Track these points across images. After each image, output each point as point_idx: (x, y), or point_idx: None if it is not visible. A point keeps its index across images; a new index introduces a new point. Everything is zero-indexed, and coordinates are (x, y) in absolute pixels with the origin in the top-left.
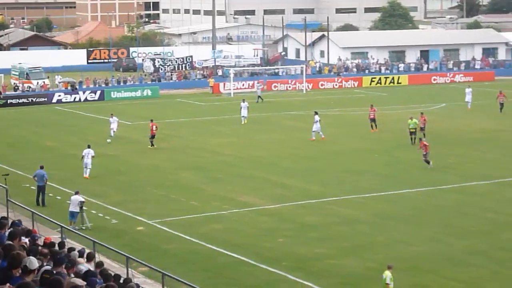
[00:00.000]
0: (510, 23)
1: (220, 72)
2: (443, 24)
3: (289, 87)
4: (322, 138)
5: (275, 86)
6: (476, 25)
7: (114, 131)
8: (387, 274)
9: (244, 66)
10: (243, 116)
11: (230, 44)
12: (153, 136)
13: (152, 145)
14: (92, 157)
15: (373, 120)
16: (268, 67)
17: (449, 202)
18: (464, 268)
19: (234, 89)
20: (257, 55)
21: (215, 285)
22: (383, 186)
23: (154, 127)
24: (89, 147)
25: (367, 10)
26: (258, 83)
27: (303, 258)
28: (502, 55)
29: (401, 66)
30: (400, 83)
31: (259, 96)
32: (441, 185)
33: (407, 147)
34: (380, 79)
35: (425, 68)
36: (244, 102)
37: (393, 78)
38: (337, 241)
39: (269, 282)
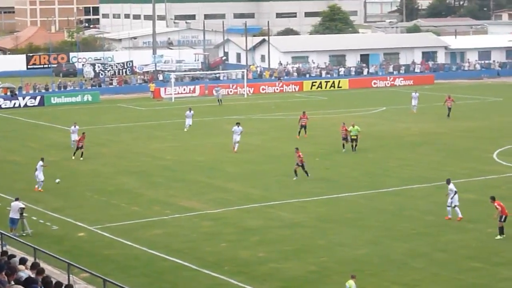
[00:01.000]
0: (449, 27)
1: (161, 77)
2: (383, 28)
3: (230, 91)
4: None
5: (216, 91)
6: (415, 29)
7: (74, 142)
8: (352, 284)
9: (185, 71)
10: (188, 125)
11: (171, 48)
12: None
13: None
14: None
15: (304, 127)
16: (209, 72)
17: (390, 205)
18: (405, 271)
19: (175, 93)
20: (198, 60)
21: None
22: (324, 190)
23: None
24: (42, 160)
25: (308, 14)
26: (217, 87)
27: (245, 262)
28: (441, 58)
29: (342, 70)
30: (340, 87)
31: (219, 100)
32: (382, 188)
33: (347, 151)
34: (320, 83)
35: (365, 72)
36: (190, 111)
37: (333, 82)
38: (279, 245)
39: (211, 287)
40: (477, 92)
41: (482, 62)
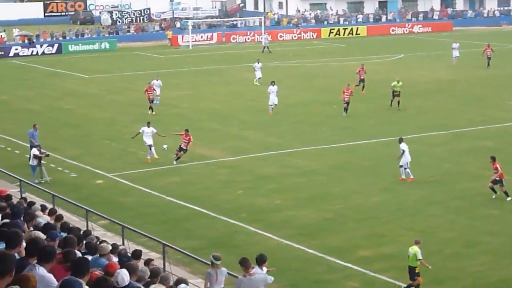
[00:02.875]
0: None
1: (178, 24)
2: None
3: (248, 39)
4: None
5: (233, 38)
6: None
7: (158, 98)
8: (416, 250)
9: (202, 18)
10: (258, 78)
11: None
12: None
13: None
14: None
15: (347, 103)
16: (227, 19)
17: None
18: (421, 218)
19: (192, 41)
20: (215, 7)
21: (174, 237)
22: (341, 137)
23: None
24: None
25: None
26: (265, 33)
27: (261, 209)
28: (460, 5)
29: (360, 17)
30: (358, 34)
31: (266, 47)
32: (399, 135)
33: (364, 99)
34: (338, 30)
35: (383, 19)
36: (258, 62)
37: (351, 29)
38: (295, 193)
39: (227, 234)
40: (496, 39)
41: (501, 8)
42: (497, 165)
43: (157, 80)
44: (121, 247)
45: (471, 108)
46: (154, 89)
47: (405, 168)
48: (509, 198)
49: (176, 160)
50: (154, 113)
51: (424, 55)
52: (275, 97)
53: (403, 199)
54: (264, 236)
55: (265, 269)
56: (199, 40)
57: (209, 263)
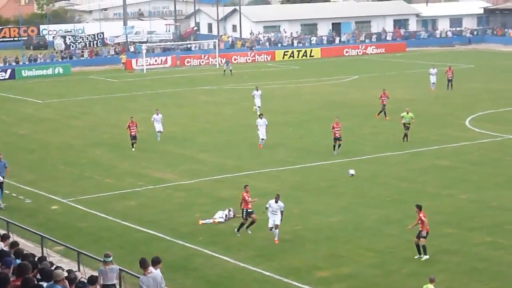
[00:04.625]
0: None
1: (132, 48)
2: None
3: (202, 62)
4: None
5: (188, 62)
6: None
7: (160, 132)
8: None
9: (156, 42)
10: (258, 106)
11: (142, 19)
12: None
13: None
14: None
15: (338, 138)
16: (181, 43)
17: (364, 173)
18: (379, 237)
19: (146, 65)
20: (169, 31)
21: (131, 262)
22: (297, 159)
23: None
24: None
25: None
26: (226, 60)
27: (219, 232)
28: (413, 26)
29: (314, 39)
30: (312, 56)
31: (230, 70)
32: (356, 156)
33: (319, 120)
34: (292, 52)
35: (337, 41)
36: (257, 90)
37: (305, 51)
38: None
39: (185, 257)
40: (449, 59)
41: (454, 29)
42: (421, 215)
43: (157, 115)
44: (76, 273)
45: (427, 128)
46: (137, 126)
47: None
48: (424, 258)
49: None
50: (133, 149)
51: (378, 76)
52: (264, 131)
53: (362, 219)
54: (222, 259)
55: (158, 269)
56: (153, 64)
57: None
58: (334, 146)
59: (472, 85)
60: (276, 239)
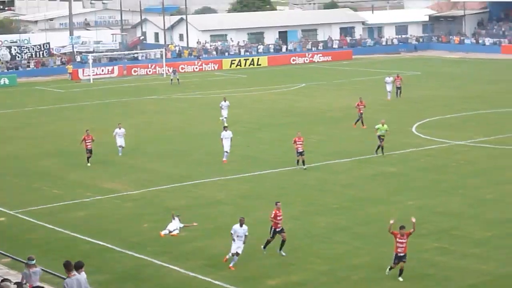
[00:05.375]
0: (366, 3)
1: (78, 58)
2: (301, 4)
3: (149, 71)
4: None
5: (135, 71)
6: (332, 5)
7: (122, 147)
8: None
9: (103, 52)
10: (224, 117)
11: (88, 29)
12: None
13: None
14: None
15: (301, 153)
16: (127, 52)
17: (312, 181)
18: (328, 245)
19: (93, 75)
20: (115, 40)
21: None
22: (245, 167)
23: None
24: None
25: None
26: (173, 69)
27: (168, 242)
28: (359, 34)
29: (261, 47)
30: (260, 64)
31: (177, 79)
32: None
33: (268, 127)
34: (240, 61)
35: (284, 49)
36: (225, 101)
37: (252, 60)
38: (201, 224)
39: (135, 267)
40: (395, 67)
41: (399, 36)
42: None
43: (120, 129)
44: (24, 286)
45: (374, 135)
46: (93, 139)
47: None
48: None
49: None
50: (89, 164)
51: (325, 83)
52: (228, 144)
53: (311, 226)
54: (171, 268)
55: (83, 273)
56: (100, 74)
57: None
58: (298, 161)
59: (419, 92)
60: (231, 265)
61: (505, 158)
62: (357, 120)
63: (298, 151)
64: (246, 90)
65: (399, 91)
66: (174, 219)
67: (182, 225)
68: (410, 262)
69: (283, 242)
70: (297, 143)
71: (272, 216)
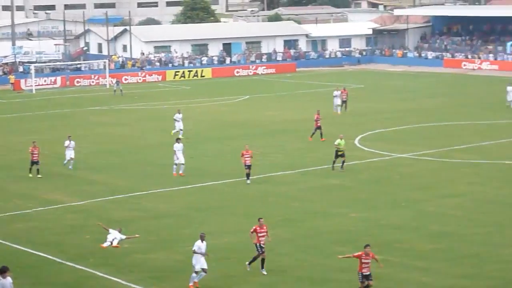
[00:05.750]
0: (310, 15)
1: (21, 69)
2: (245, 17)
3: (92, 82)
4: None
5: (78, 82)
6: (276, 18)
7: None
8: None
9: (45, 62)
10: (179, 128)
11: (31, 40)
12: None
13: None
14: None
15: (249, 166)
16: (70, 63)
17: (255, 193)
18: (272, 257)
19: (35, 85)
20: (58, 51)
21: (21, 286)
22: (190, 179)
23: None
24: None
25: (169, 4)
26: (116, 80)
27: (110, 254)
28: (303, 47)
29: (204, 59)
30: (204, 76)
31: (120, 90)
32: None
33: (211, 139)
34: (183, 72)
35: (228, 61)
36: (179, 113)
37: (196, 72)
38: (145, 236)
39: (76, 279)
40: (339, 80)
41: (343, 49)
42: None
43: (70, 141)
44: None
45: (317, 147)
46: (39, 151)
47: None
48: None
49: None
50: (40, 176)
51: (269, 96)
52: (181, 155)
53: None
54: (114, 281)
55: (8, 277)
56: (42, 84)
57: None
58: (247, 174)
59: (362, 105)
60: (196, 280)
61: (447, 171)
62: (313, 133)
63: (246, 164)
64: (190, 101)
65: (344, 104)
66: (109, 231)
67: (124, 236)
68: (353, 274)
69: (262, 260)
70: (245, 156)
71: (252, 230)
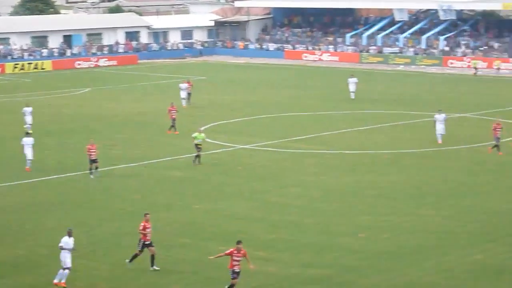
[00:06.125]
0: (151, 7)
1: None
2: (85, 8)
3: None
4: None
5: None
6: (117, 10)
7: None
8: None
9: None
10: (29, 124)
11: None
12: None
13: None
14: None
15: (94, 161)
16: None
17: (98, 184)
18: (114, 250)
19: None
20: None
21: None
22: (30, 173)
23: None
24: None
25: None
26: None
27: None
28: (144, 38)
29: (45, 51)
30: (44, 68)
31: None
32: (87, 170)
33: (51, 133)
34: (23, 65)
35: (68, 53)
36: (28, 106)
37: (36, 64)
38: None
39: None
40: (181, 72)
41: (185, 41)
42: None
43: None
44: None
45: (161, 139)
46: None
47: None
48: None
49: None
50: None
51: (111, 88)
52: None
53: (95, 231)
54: None
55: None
56: None
57: None
58: (91, 168)
59: (204, 97)
60: (64, 281)
61: (288, 161)
62: (172, 126)
63: (91, 158)
64: (31, 94)
65: (189, 96)
66: None
67: None
68: (197, 265)
69: (152, 256)
70: (90, 151)
71: (141, 228)
